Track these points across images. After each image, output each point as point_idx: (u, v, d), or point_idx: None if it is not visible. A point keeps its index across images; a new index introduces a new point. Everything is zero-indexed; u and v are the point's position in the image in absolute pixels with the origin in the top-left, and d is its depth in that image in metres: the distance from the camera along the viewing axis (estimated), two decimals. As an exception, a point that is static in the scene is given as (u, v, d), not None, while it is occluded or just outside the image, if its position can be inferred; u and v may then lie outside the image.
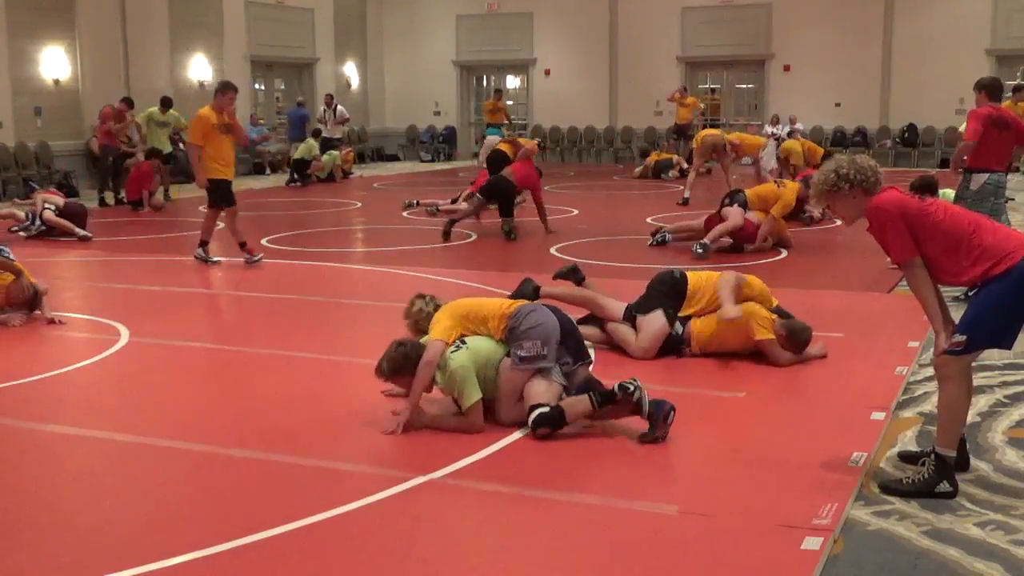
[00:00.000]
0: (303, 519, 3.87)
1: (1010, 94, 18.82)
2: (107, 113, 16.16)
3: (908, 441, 4.79)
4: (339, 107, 21.65)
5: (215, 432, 5.00)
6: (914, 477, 4.17)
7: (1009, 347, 4.22)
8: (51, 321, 7.40)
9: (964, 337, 4.07)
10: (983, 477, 4.36)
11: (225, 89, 10.07)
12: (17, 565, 3.57)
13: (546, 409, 4.78)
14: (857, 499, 4.09)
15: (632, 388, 4.79)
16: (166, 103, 16.98)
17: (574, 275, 6.85)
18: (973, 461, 4.48)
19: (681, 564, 3.56)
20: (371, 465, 4.51)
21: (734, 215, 10.32)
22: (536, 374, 4.94)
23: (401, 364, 4.94)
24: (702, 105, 23.32)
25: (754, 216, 10.58)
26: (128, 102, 16.57)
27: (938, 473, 4.13)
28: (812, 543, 3.62)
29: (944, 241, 4.10)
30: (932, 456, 4.17)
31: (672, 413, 4.76)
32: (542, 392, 4.88)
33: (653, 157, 20.79)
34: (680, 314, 6.40)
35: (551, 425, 4.78)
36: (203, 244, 10.20)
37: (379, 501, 4.07)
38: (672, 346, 6.33)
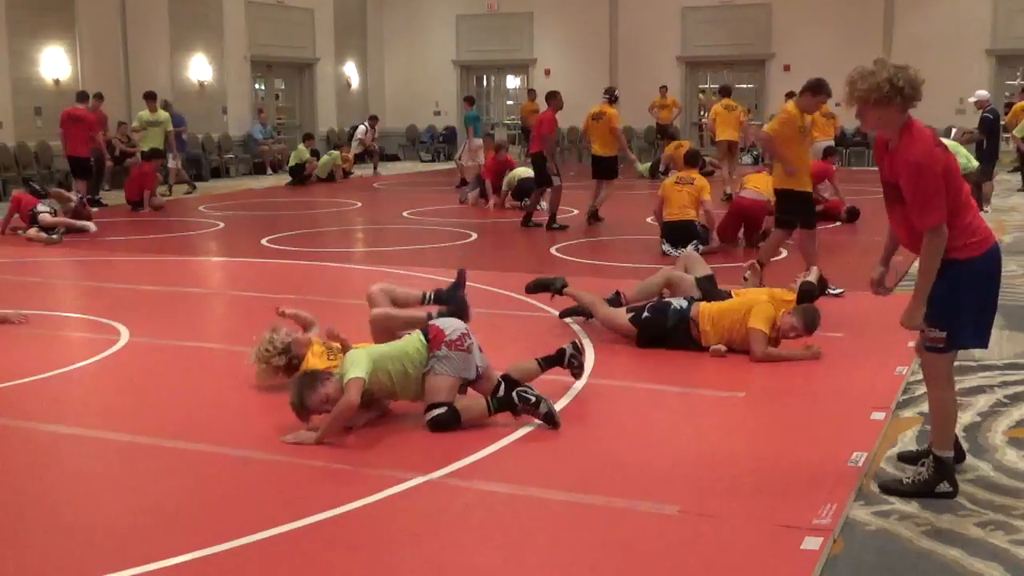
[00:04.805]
0: (303, 519, 3.87)
1: (1008, 94, 18.75)
2: (92, 120, 16.02)
3: (908, 441, 4.79)
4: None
5: (215, 432, 4.99)
6: (914, 477, 4.17)
7: (985, 345, 4.17)
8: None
9: (944, 334, 4.01)
10: (983, 477, 4.36)
11: (819, 89, 8.22)
12: (17, 565, 3.57)
13: (443, 411, 4.86)
14: (857, 499, 4.08)
15: (533, 399, 4.91)
16: (151, 97, 16.71)
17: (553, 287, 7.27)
18: (973, 461, 4.48)
19: (681, 564, 3.56)
20: (371, 465, 4.51)
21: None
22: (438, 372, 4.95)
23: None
24: (681, 104, 23.32)
25: (751, 193, 10.74)
26: (98, 97, 16.37)
27: (938, 473, 4.12)
28: (812, 543, 3.62)
29: (951, 206, 3.87)
30: (930, 457, 4.17)
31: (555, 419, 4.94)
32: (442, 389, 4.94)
33: (670, 148, 20.60)
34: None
35: (446, 429, 4.86)
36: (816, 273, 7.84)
37: (379, 501, 4.07)
38: (677, 326, 6.39)
